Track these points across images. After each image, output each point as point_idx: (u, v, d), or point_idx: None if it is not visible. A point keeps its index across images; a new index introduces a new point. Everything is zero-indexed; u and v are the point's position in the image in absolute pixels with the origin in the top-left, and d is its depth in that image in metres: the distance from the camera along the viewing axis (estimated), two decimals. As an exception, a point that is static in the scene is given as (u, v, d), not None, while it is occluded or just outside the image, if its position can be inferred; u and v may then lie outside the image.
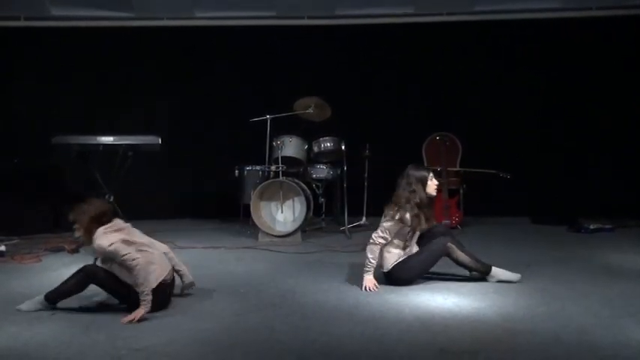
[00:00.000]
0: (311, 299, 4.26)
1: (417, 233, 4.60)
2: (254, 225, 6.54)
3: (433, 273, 4.68)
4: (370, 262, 4.49)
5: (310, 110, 6.88)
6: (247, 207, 6.61)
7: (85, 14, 7.61)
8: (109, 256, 3.92)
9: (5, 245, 5.88)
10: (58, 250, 5.89)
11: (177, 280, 4.26)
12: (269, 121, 6.80)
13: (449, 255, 4.52)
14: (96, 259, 4.24)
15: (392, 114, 7.89)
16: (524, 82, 7.76)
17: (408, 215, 4.45)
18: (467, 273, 4.65)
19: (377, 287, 4.43)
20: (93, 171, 6.29)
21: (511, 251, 5.75)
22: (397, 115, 7.86)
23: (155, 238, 4.31)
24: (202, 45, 7.92)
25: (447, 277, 4.73)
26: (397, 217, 4.46)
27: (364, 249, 5.82)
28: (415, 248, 4.63)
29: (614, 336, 3.44)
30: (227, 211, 7.59)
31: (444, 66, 7.83)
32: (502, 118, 7.75)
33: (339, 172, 7.03)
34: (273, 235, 6.48)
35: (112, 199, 6.24)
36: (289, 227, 6.55)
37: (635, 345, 3.31)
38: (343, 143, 6.93)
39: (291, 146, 6.79)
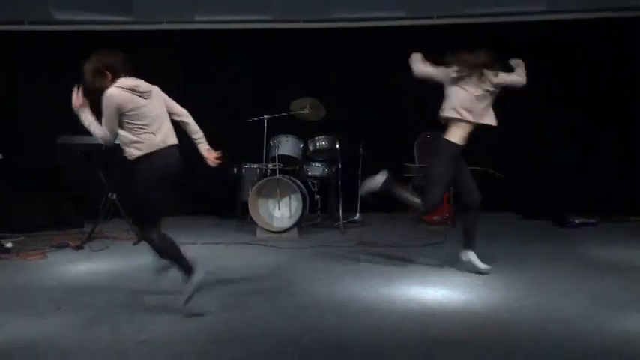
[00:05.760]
0: (307, 292, 4.34)
1: None
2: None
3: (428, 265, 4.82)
4: None
5: (305, 110, 6.99)
6: (245, 204, 6.74)
7: (86, 18, 7.69)
8: None
9: (11, 242, 5.92)
10: (62, 246, 5.97)
11: None
12: (266, 121, 6.95)
13: None
14: None
15: (385, 114, 7.97)
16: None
17: None
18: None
19: None
20: (96, 170, 6.39)
21: (500, 246, 5.85)
22: (390, 115, 7.94)
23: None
24: (201, 48, 7.98)
25: (437, 269, 4.90)
26: None
27: (358, 244, 5.99)
28: None
29: (598, 327, 3.53)
30: (225, 208, 7.70)
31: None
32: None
33: (333, 170, 7.12)
34: (270, 231, 6.60)
35: (114, 197, 6.35)
36: (286, 223, 6.66)
37: (619, 335, 3.39)
38: (338, 142, 7.05)
39: (287, 145, 6.90)
